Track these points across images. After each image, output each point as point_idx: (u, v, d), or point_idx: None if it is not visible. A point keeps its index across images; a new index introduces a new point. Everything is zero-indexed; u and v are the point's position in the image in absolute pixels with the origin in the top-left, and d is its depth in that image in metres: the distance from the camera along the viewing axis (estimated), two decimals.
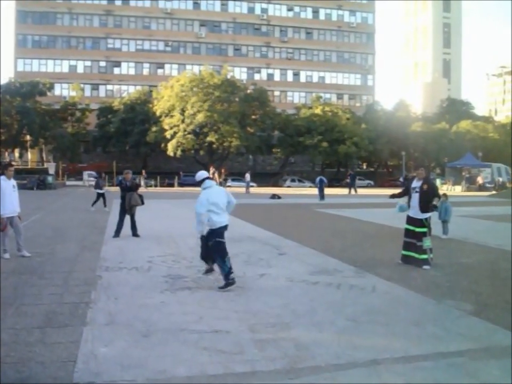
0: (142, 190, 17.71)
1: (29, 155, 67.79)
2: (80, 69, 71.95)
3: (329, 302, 6.57)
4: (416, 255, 9.02)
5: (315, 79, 78.92)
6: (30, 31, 69.87)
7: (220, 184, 36.50)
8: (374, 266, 9.05)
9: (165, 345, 4.84)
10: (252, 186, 44.87)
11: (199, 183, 7.60)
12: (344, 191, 41.22)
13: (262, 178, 60.41)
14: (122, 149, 59.64)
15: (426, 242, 9.01)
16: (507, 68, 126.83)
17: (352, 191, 39.81)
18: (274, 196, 31.72)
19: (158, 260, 9.42)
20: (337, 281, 7.78)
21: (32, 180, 41.67)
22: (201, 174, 7.74)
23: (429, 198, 9.05)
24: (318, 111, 63.43)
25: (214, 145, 57.03)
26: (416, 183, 9.27)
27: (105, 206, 21.28)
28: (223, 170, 44.88)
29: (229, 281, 7.08)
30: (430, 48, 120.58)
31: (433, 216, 9.71)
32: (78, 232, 13.75)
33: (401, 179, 54.52)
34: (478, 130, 67.24)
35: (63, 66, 71.20)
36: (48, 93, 60.39)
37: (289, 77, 78.05)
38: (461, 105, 79.46)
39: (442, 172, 61.29)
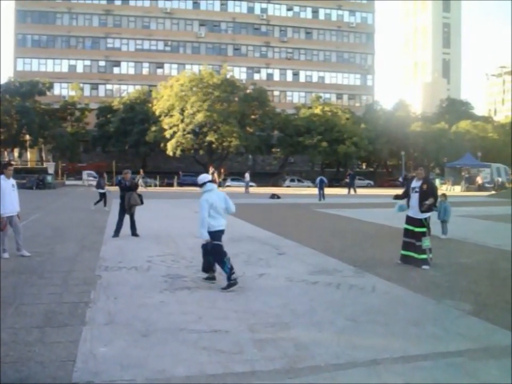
0: (141, 189, 17.71)
1: (28, 154, 67.76)
2: (79, 69, 71.93)
3: (328, 302, 6.57)
4: (416, 255, 9.03)
5: (314, 79, 78.93)
6: (30, 31, 69.84)
7: (219, 184, 36.60)
8: (373, 266, 9.05)
9: (164, 345, 4.84)
10: (251, 186, 44.86)
11: (200, 186, 7.63)
12: (344, 191, 41.21)
13: (262, 178, 60.41)
14: (121, 149, 59.63)
15: (426, 242, 9.01)
16: (506, 68, 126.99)
17: (352, 191, 39.79)
18: (273, 196, 31.71)
19: (157, 260, 9.42)
20: (337, 281, 7.78)
21: (31, 180, 41.64)
22: (204, 177, 7.77)
23: (428, 198, 9.06)
24: (317, 111, 63.44)
25: (214, 145, 57.02)
26: (415, 183, 9.27)
27: (105, 205, 21.28)
28: (222, 170, 44.91)
29: (231, 281, 7.09)
30: (429, 48, 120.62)
31: (432, 216, 9.72)
32: (77, 231, 13.75)
33: (400, 179, 54.54)
34: (478, 130, 67.28)
35: (63, 66, 71.17)
36: (48, 93, 60.40)
37: (289, 76, 78.05)
38: (460, 105, 79.51)
39: (442, 171, 61.32)
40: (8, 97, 56.20)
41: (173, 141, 54.24)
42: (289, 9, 77.63)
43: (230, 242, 7.71)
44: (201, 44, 74.80)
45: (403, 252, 9.32)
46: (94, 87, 71.86)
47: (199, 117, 53.91)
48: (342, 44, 79.48)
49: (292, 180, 60.92)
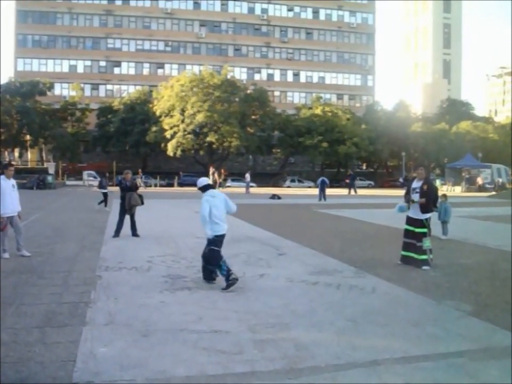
0: (140, 190, 17.70)
1: (29, 155, 67.81)
2: (80, 69, 71.98)
3: (329, 303, 6.57)
4: (416, 256, 9.02)
5: (315, 80, 78.95)
6: (30, 31, 69.89)
7: (220, 184, 36.63)
8: (373, 266, 9.04)
9: (164, 345, 4.84)
10: (252, 186, 44.87)
11: (200, 189, 7.63)
12: (344, 191, 41.22)
13: (262, 178, 60.43)
14: (122, 149, 59.61)
15: (426, 243, 9.01)
16: (507, 68, 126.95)
17: (352, 192, 39.82)
18: (274, 196, 31.71)
19: (158, 260, 9.42)
20: (337, 281, 7.78)
21: (32, 180, 41.67)
22: (202, 180, 7.79)
23: (428, 199, 9.06)
24: (318, 111, 63.43)
25: (214, 145, 57.03)
26: (416, 184, 9.27)
27: (105, 205, 21.30)
28: (222, 171, 44.90)
29: (229, 282, 7.08)
30: (430, 49, 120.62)
31: (433, 216, 9.71)
32: (77, 232, 13.75)
33: (401, 179, 54.61)
34: (478, 131, 67.29)
35: (63, 66, 71.23)
36: (48, 93, 60.40)
37: (289, 77, 78.07)
38: (461, 106, 79.52)
39: (442, 172, 61.31)
40: (9, 97, 56.22)
41: (174, 141, 54.25)
42: (289, 9, 77.67)
43: (230, 242, 7.71)
44: (202, 44, 74.84)
45: (403, 253, 9.31)
46: (95, 87, 71.91)
47: (200, 117, 53.92)
48: (342, 44, 79.50)
49: (292, 180, 60.89)
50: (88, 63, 71.95)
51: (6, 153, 62.99)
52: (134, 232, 12.75)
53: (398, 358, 4.60)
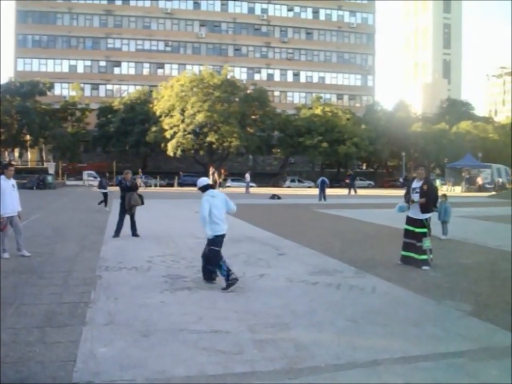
0: (140, 190, 17.71)
1: (29, 155, 67.80)
2: (80, 69, 71.99)
3: (329, 303, 6.57)
4: (416, 256, 9.02)
5: (315, 80, 78.95)
6: (30, 31, 69.89)
7: (220, 184, 36.63)
8: (373, 266, 9.04)
9: (164, 345, 4.84)
10: (252, 186, 44.87)
11: (200, 189, 7.64)
12: (344, 191, 41.22)
13: (262, 178, 60.43)
14: (122, 149, 59.61)
15: (426, 243, 9.01)
16: (507, 68, 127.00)
17: (352, 192, 39.82)
18: (274, 196, 31.70)
19: (158, 260, 9.42)
20: (337, 281, 7.78)
21: (32, 180, 41.66)
22: (202, 180, 7.79)
23: (428, 199, 9.06)
24: (318, 111, 63.44)
25: (214, 145, 57.03)
26: (416, 184, 9.27)
27: (105, 205, 21.32)
28: (222, 171, 44.91)
29: (229, 282, 7.08)
30: (430, 49, 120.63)
31: (432, 216, 9.71)
32: (77, 232, 13.75)
33: (401, 179, 54.63)
34: (478, 131, 67.29)
35: (63, 66, 71.23)
36: (48, 93, 60.38)
37: (289, 77, 78.08)
38: (461, 106, 79.53)
39: (442, 172, 61.33)
40: (9, 97, 56.22)
41: (174, 141, 54.25)
42: (289, 9, 77.67)
43: (230, 242, 7.72)
44: (202, 44, 74.84)
45: (403, 253, 9.31)
46: (95, 87, 71.91)
47: (200, 117, 53.92)
48: (342, 45, 79.50)
49: (292, 181, 60.88)
50: (88, 63, 71.96)
51: (6, 153, 62.98)
52: (134, 232, 12.76)
53: (398, 358, 4.60)
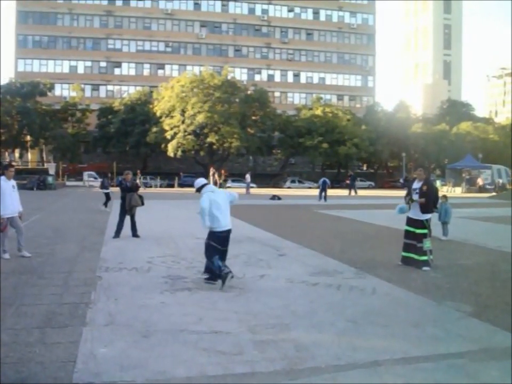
0: (140, 190, 17.72)
1: (29, 155, 67.84)
2: (80, 70, 72.00)
3: (329, 303, 6.57)
4: (416, 257, 9.02)
5: (315, 80, 78.98)
6: (31, 32, 69.92)
7: (220, 185, 36.61)
8: (374, 267, 9.04)
9: (164, 346, 4.84)
10: (252, 187, 44.87)
11: (198, 190, 7.67)
12: (345, 192, 41.23)
13: (262, 179, 60.43)
14: (122, 150, 59.63)
15: (427, 244, 9.01)
16: (507, 69, 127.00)
17: (352, 192, 39.84)
18: (274, 197, 31.71)
19: (158, 261, 9.42)
20: (337, 282, 7.77)
21: (32, 180, 41.66)
22: (200, 181, 7.85)
23: (427, 199, 9.05)
24: (318, 112, 63.42)
25: (214, 146, 57.05)
26: (416, 185, 9.27)
27: (106, 206, 21.31)
28: (223, 171, 44.90)
29: (222, 277, 7.16)
30: (430, 49, 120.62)
31: (433, 217, 9.72)
32: (78, 232, 13.75)
33: (401, 180, 54.61)
34: (478, 132, 67.26)
35: (64, 67, 71.24)
36: (49, 93, 60.43)
37: (290, 78, 78.09)
38: (461, 107, 79.49)
39: (443, 173, 61.33)
40: (9, 98, 56.25)
41: (174, 142, 54.26)
42: (290, 10, 77.69)
43: (230, 243, 7.70)
44: (202, 45, 74.87)
45: (404, 254, 9.31)
46: (95, 88, 71.93)
47: (200, 118, 53.92)
48: (343, 45, 79.52)
49: (293, 181, 60.87)
50: (89, 63, 71.98)
51: (7, 154, 62.99)
52: (134, 233, 12.76)
53: (398, 359, 4.60)
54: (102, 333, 5.20)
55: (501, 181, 50.58)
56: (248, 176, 41.32)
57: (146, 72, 73.84)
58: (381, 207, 24.31)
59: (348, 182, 43.63)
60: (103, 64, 72.35)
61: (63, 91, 68.90)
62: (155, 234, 13.20)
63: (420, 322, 5.83)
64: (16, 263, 8.87)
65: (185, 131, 54.49)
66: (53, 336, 5.06)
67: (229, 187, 48.22)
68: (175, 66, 73.31)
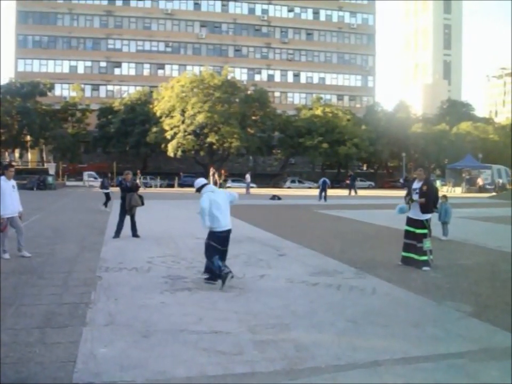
0: (140, 190, 17.73)
1: (29, 155, 67.83)
2: (80, 70, 72.01)
3: (329, 303, 6.57)
4: (416, 257, 9.01)
5: (315, 80, 78.98)
6: (31, 32, 69.92)
7: (220, 185, 36.62)
8: (374, 267, 9.04)
9: (164, 346, 4.84)
10: (252, 187, 44.87)
11: (197, 190, 7.69)
12: (345, 192, 41.23)
13: (262, 179, 60.43)
14: (122, 150, 59.64)
15: (427, 244, 9.00)
16: (507, 69, 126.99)
17: (352, 192, 39.84)
18: (274, 197, 31.71)
19: (158, 261, 9.42)
20: (337, 282, 7.77)
21: (32, 180, 41.66)
22: (199, 181, 7.88)
23: (427, 199, 9.05)
24: (318, 112, 63.42)
25: (214, 146, 57.05)
26: (416, 185, 9.27)
27: (106, 206, 21.30)
28: (223, 172, 44.91)
29: (222, 277, 7.17)
30: (430, 50, 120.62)
31: (433, 217, 9.71)
32: (78, 232, 13.75)
33: (401, 180, 54.62)
34: (478, 132, 67.27)
35: (64, 67, 71.25)
36: (49, 93, 60.43)
37: (290, 78, 78.09)
38: (461, 107, 79.50)
39: (443, 173, 61.33)
40: (9, 98, 56.26)
41: (174, 142, 54.26)
42: (290, 10, 77.69)
43: (230, 243, 7.71)
44: (202, 45, 74.87)
45: (404, 254, 9.31)
46: (95, 88, 71.93)
47: (200, 118, 53.93)
48: (343, 45, 79.52)
49: (293, 181, 60.88)
50: (89, 63, 71.99)
51: (7, 154, 62.99)
52: (134, 233, 12.76)
53: (398, 359, 4.60)
54: (102, 333, 5.20)
55: (501, 181, 50.58)
56: (248, 176, 41.32)
57: (146, 72, 73.84)
58: (381, 207, 24.31)
59: (347, 182, 43.63)
60: (103, 64, 72.36)
61: (63, 91, 68.91)
62: (155, 234, 13.20)
63: (420, 322, 5.83)
64: (16, 263, 8.87)
65: (185, 131, 54.49)
66: (53, 336, 5.06)
67: (229, 187, 48.24)
68: (175, 66, 73.31)
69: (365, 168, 77.46)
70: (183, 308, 6.24)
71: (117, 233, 12.57)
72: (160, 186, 53.66)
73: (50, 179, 43.83)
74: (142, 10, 72.57)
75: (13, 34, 71.03)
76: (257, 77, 75.06)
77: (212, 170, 38.90)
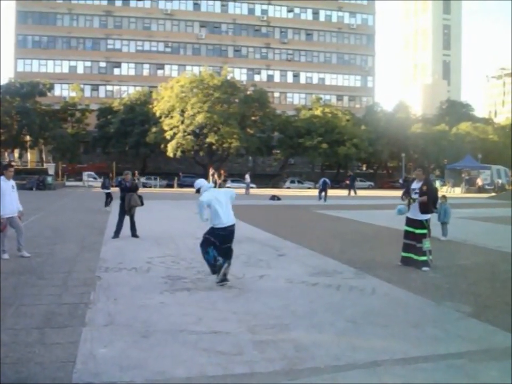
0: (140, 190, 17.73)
1: (29, 155, 67.80)
2: (80, 70, 72.02)
3: (328, 304, 6.56)
4: (416, 257, 9.01)
5: (315, 81, 79.00)
6: (30, 32, 69.92)
7: (220, 185, 36.62)
8: (373, 267, 9.04)
9: (164, 346, 4.83)
10: (252, 187, 44.87)
11: (198, 191, 7.75)
12: (344, 192, 41.23)
13: (262, 179, 60.45)
14: (122, 150, 59.66)
15: (426, 244, 9.00)
16: (507, 69, 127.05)
17: (352, 193, 39.84)
18: (273, 197, 31.70)
19: (157, 261, 9.42)
20: (337, 282, 7.77)
21: (31, 180, 41.65)
22: (200, 181, 7.96)
23: (428, 199, 9.05)
24: (317, 112, 63.46)
25: (214, 146, 57.06)
26: (415, 185, 9.26)
27: (105, 206, 21.31)
28: (222, 172, 44.88)
29: (210, 264, 7.35)
30: (429, 50, 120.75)
31: (432, 218, 9.71)
32: (77, 232, 13.75)
33: (400, 181, 54.59)
34: (478, 132, 67.33)
35: (63, 67, 71.26)
36: (48, 94, 60.44)
37: (289, 78, 78.12)
38: (460, 107, 79.58)
39: (442, 173, 61.35)
40: (9, 98, 56.27)
41: (173, 142, 54.28)
42: (289, 10, 77.73)
43: None
44: (202, 45, 74.89)
45: (403, 254, 9.30)
46: (95, 88, 71.94)
47: (200, 118, 53.94)
48: (342, 46, 79.55)
49: (292, 181, 60.91)
50: (88, 63, 71.99)
51: (6, 154, 62.97)
52: (134, 233, 12.76)
53: (397, 359, 4.60)
54: (101, 333, 5.19)
55: (500, 181, 50.60)
56: (247, 177, 41.31)
57: (145, 72, 73.86)
58: (381, 208, 24.31)
59: (347, 182, 43.63)
60: (102, 64, 72.37)
61: (62, 91, 68.94)
62: (155, 235, 13.20)
63: (420, 322, 5.83)
64: (16, 263, 8.87)
65: (184, 131, 54.50)
66: (53, 336, 5.06)
67: (228, 187, 48.25)
68: (175, 67, 73.33)
69: (364, 168, 77.52)
70: (183, 308, 6.24)
71: (117, 233, 12.57)
72: (160, 187, 53.66)
73: (49, 179, 43.83)
74: (141, 10, 72.58)
75: (13, 34, 71.03)
76: (256, 77, 75.08)
77: (211, 171, 38.87)
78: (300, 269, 8.87)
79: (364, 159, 67.04)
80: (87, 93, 69.69)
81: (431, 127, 65.86)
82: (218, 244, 7.45)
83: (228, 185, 49.77)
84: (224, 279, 7.40)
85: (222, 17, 75.21)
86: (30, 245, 10.17)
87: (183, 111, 55.48)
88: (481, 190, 47.75)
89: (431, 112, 79.22)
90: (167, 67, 73.91)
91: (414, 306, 6.61)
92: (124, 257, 9.75)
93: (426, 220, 9.11)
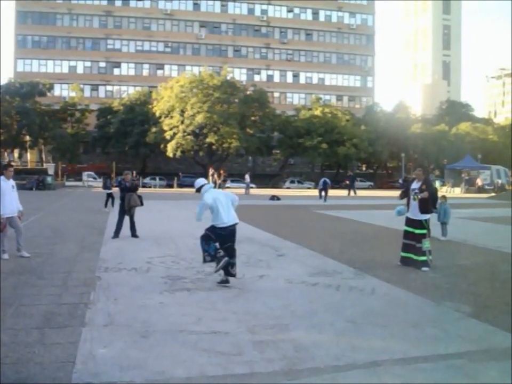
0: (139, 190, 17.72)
1: (28, 155, 67.78)
2: (80, 70, 71.99)
3: (328, 304, 6.57)
4: (415, 257, 9.01)
5: (315, 81, 78.99)
6: (30, 32, 69.89)
7: (219, 185, 36.64)
8: (373, 268, 9.04)
9: (163, 346, 4.83)
10: (251, 187, 44.86)
11: (197, 190, 7.78)
12: (344, 192, 41.24)
13: (262, 179, 60.45)
14: (121, 150, 59.66)
15: (426, 244, 9.00)
16: (507, 70, 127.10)
17: (352, 193, 39.85)
18: (273, 197, 31.70)
19: (157, 261, 9.42)
20: (337, 282, 7.77)
21: (31, 180, 41.62)
22: (200, 181, 7.99)
23: (427, 200, 9.05)
24: (317, 112, 63.45)
25: (214, 146, 57.04)
26: (415, 185, 9.26)
27: (105, 206, 21.29)
28: (222, 172, 44.91)
29: (211, 255, 7.33)
30: (429, 50, 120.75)
31: (432, 218, 9.71)
32: (77, 232, 13.74)
33: (400, 181, 54.60)
34: (478, 132, 67.35)
35: (63, 67, 71.24)
36: (48, 94, 60.42)
37: (289, 78, 78.11)
38: (460, 107, 79.61)
39: (442, 173, 61.37)
40: (9, 98, 56.25)
41: (173, 142, 54.26)
42: (289, 10, 77.71)
43: None
44: (202, 45, 74.87)
45: (403, 254, 9.30)
46: (94, 88, 71.92)
47: (199, 118, 53.93)
48: (342, 46, 79.55)
49: (292, 182, 60.92)
50: (88, 63, 71.96)
51: (6, 154, 62.96)
52: (134, 233, 12.76)
53: (397, 359, 4.60)
54: (101, 333, 5.19)
55: (500, 181, 50.61)
56: (247, 177, 41.32)
57: (145, 72, 73.84)
58: (380, 208, 24.32)
59: (347, 182, 43.64)
60: (102, 64, 72.35)
61: (62, 91, 68.94)
62: (154, 235, 13.20)
63: (419, 322, 5.83)
64: (15, 263, 8.86)
65: (184, 131, 54.49)
66: (52, 336, 5.06)
67: (228, 187, 48.28)
68: (175, 67, 73.31)
69: (364, 168, 77.53)
70: (182, 308, 6.24)
71: (116, 233, 12.57)
72: (160, 187, 53.66)
73: (49, 179, 43.82)
74: (141, 10, 72.56)
75: (12, 35, 71.00)
76: (256, 77, 75.06)
77: (211, 171, 38.91)
78: (300, 269, 8.87)
79: (363, 159, 67.05)
80: (87, 93, 69.68)
81: (431, 127, 65.88)
82: (218, 244, 7.45)
83: (227, 185, 49.92)
84: (225, 280, 7.44)
85: (221, 17, 75.20)
86: (30, 245, 10.17)
87: (182, 111, 55.47)
88: (481, 190, 47.77)
89: (431, 112, 79.26)
90: (166, 67, 73.90)
91: (413, 306, 6.61)
92: (124, 257, 9.75)
93: (426, 220, 9.11)
